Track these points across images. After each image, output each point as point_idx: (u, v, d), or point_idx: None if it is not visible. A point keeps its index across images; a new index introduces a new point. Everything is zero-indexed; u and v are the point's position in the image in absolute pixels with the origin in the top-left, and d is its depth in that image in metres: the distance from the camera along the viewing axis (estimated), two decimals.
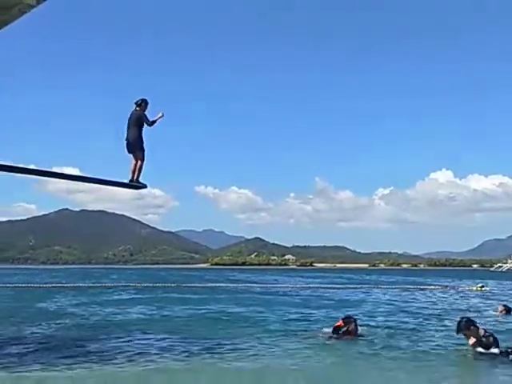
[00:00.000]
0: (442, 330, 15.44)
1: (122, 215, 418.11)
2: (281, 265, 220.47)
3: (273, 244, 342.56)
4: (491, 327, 13.80)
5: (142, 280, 54.88)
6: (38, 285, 43.56)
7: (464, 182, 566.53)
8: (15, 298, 29.16)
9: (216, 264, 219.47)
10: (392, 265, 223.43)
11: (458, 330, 11.22)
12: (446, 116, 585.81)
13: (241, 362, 10.72)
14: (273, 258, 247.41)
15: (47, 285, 43.57)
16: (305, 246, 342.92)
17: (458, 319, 11.68)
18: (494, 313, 20.55)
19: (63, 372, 9.64)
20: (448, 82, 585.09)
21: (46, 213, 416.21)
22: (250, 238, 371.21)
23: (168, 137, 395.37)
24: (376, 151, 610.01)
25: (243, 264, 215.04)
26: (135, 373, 9.85)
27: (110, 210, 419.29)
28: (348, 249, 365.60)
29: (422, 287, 43.45)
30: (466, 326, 11.07)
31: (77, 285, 44.47)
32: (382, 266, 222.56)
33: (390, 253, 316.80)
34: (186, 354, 11.49)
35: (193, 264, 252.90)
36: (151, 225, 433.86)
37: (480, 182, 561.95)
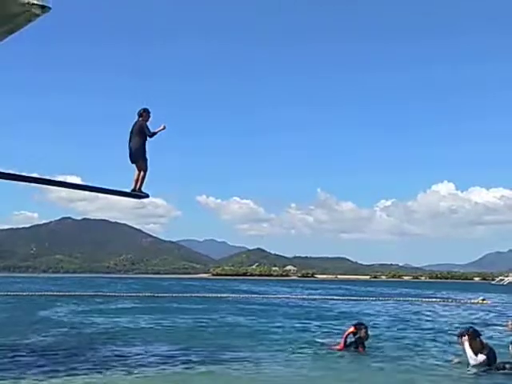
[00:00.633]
0: (442, 343, 15.39)
1: (124, 224, 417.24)
2: (282, 276, 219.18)
3: (274, 255, 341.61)
4: (496, 342, 13.77)
5: (142, 289, 54.82)
6: (38, 293, 43.54)
7: (466, 195, 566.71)
8: (16, 306, 29.16)
9: (217, 274, 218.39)
10: (393, 277, 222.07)
11: (461, 335, 11.19)
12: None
13: (241, 372, 10.71)
14: (274, 268, 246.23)
15: (48, 293, 43.54)
16: (306, 257, 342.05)
17: (466, 327, 11.68)
18: (502, 328, 20.45)
19: (63, 381, 9.65)
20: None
21: (48, 221, 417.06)
22: (251, 248, 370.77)
23: (170, 147, 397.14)
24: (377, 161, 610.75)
25: (244, 274, 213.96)
26: (135, 382, 9.85)
27: (111, 219, 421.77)
28: (349, 260, 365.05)
29: (423, 299, 43.30)
30: (471, 335, 10.99)
31: (78, 293, 44.47)
32: (384, 277, 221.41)
33: (391, 265, 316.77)
34: (186, 363, 11.49)
35: (194, 274, 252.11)
36: (153, 234, 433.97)
37: (482, 195, 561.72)
